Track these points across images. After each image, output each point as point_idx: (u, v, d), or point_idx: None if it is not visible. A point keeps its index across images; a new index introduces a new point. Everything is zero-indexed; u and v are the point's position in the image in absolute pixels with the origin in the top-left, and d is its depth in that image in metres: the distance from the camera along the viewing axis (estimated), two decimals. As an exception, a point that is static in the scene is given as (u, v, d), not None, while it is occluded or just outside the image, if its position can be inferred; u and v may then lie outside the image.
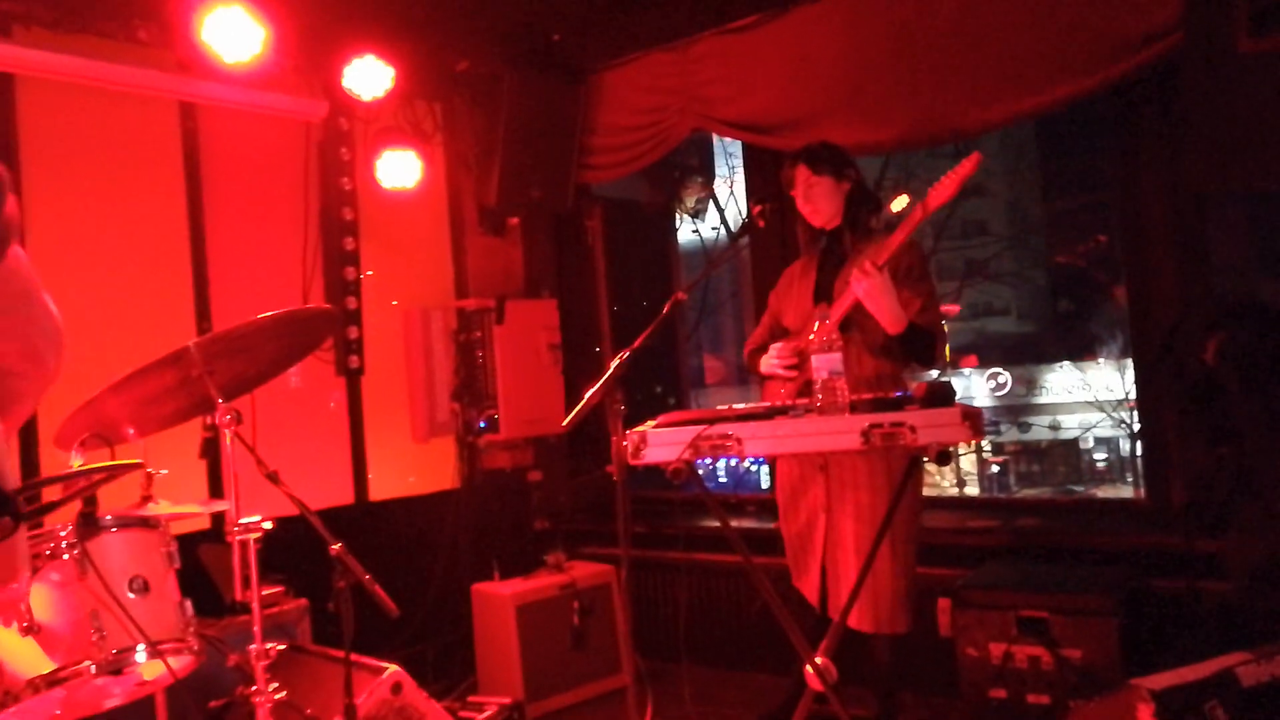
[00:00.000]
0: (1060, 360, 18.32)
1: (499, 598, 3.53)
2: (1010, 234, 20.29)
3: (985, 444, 16.08)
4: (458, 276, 4.30)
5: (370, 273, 3.87)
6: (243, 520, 2.10)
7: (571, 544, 4.00)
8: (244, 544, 2.12)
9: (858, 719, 2.42)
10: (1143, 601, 2.84)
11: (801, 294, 2.90)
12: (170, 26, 3.19)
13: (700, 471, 2.41)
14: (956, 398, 2.17)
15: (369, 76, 3.52)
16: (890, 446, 2.15)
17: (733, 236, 10.51)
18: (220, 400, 2.08)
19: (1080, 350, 17.98)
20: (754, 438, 2.24)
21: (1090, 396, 16.00)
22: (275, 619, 2.99)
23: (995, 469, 17.18)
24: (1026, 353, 19.50)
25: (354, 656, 2.06)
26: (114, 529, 2.00)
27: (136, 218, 3.33)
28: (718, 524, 3.79)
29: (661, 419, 2.39)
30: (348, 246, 3.79)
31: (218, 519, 3.23)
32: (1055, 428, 17.33)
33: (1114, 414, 15.08)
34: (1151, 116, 3.12)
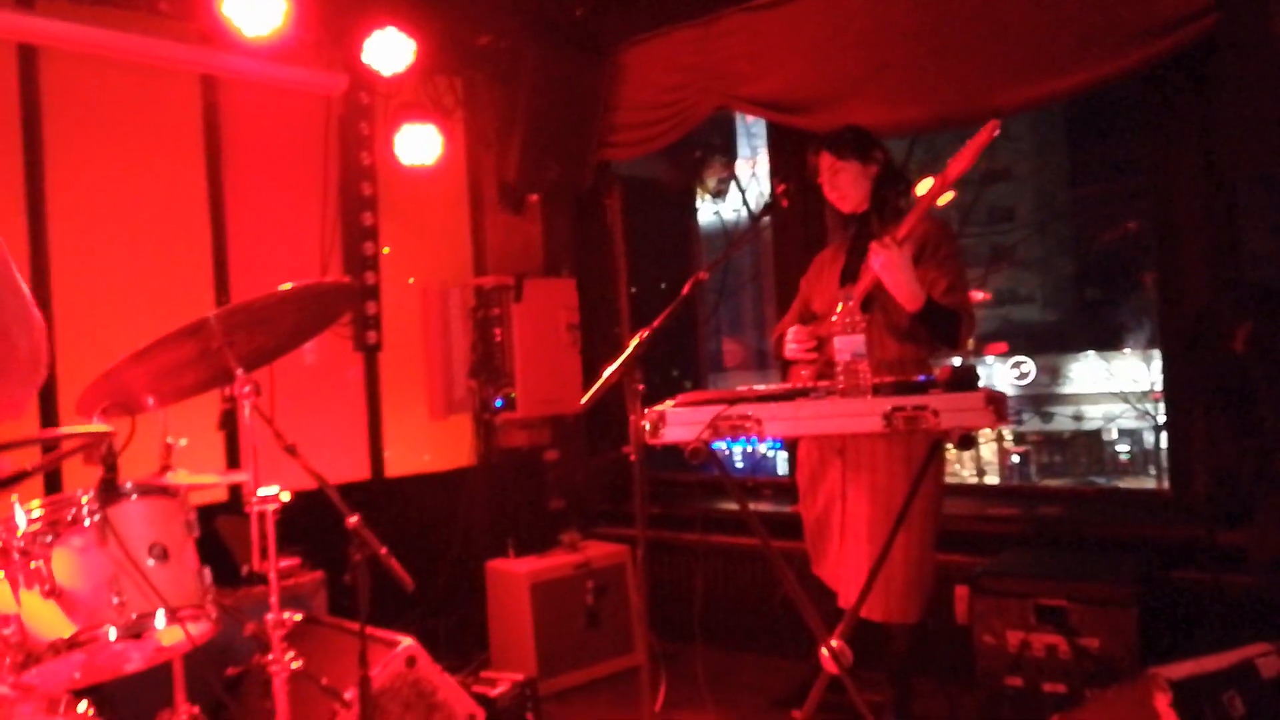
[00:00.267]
0: (1085, 350, 18.12)
1: (514, 575, 3.54)
2: (1037, 219, 20.04)
3: (1006, 433, 15.97)
4: (476, 253, 4.30)
5: (388, 249, 3.87)
6: (261, 491, 2.11)
7: (586, 524, 4.01)
8: (262, 515, 2.13)
9: (872, 704, 2.40)
10: (1162, 592, 2.81)
11: (831, 279, 2.87)
12: (192, -1, 3.19)
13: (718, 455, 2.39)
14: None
15: (390, 50, 3.50)
16: (912, 430, 2.13)
17: (754, 217, 10.45)
18: (240, 372, 2.08)
19: (1106, 340, 17.77)
20: (774, 419, 2.22)
21: (1115, 387, 15.83)
22: (291, 591, 3.02)
23: (1016, 459, 17.06)
24: (1051, 341, 19.29)
25: (369, 629, 2.06)
26: (135, 496, 2.01)
27: (157, 190, 3.34)
28: (734, 506, 3.80)
29: (680, 399, 2.37)
30: (366, 222, 3.79)
31: (235, 491, 3.26)
32: (1079, 418, 17.17)
33: (1139, 405, 14.92)
34: (1185, 100, 3.05)
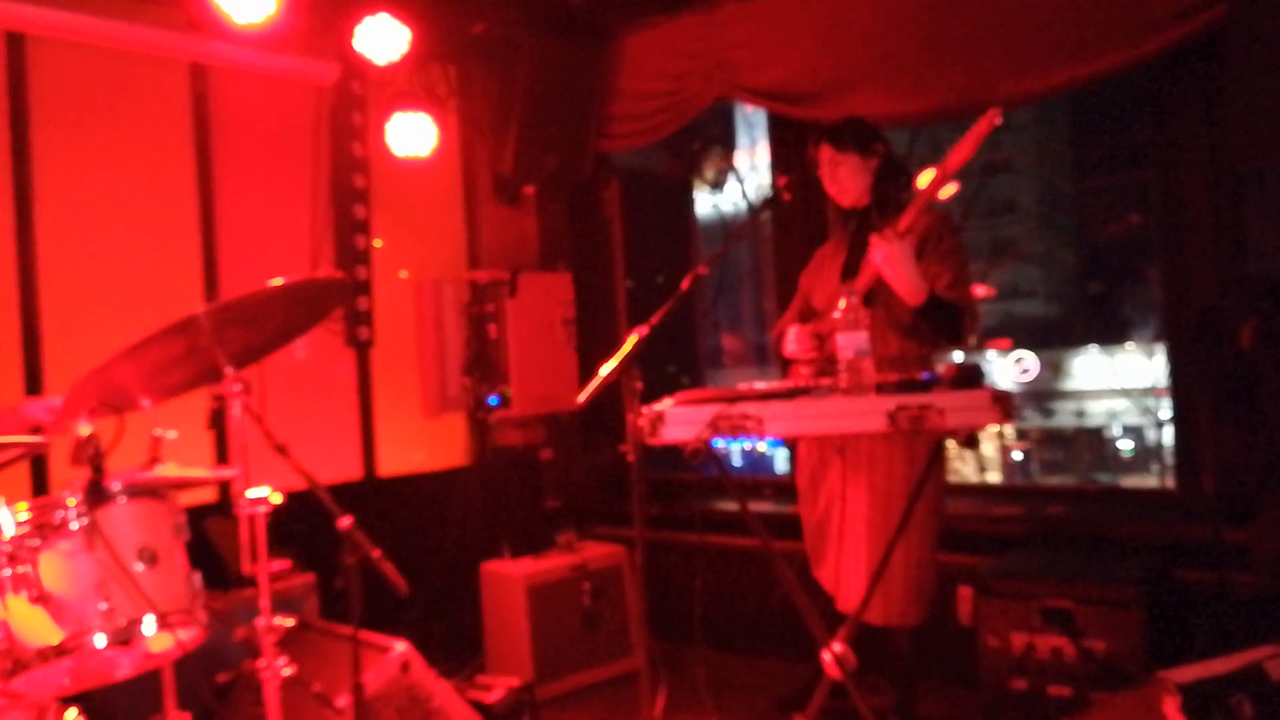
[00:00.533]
0: (1088, 345, 18.09)
1: (509, 578, 3.50)
2: (1040, 213, 19.99)
3: (1008, 430, 15.94)
4: (471, 247, 4.24)
5: (380, 243, 3.81)
6: (251, 492, 2.07)
7: (583, 524, 3.96)
8: (252, 517, 2.09)
9: (875, 709, 2.37)
10: (1169, 592, 2.78)
11: (831, 274, 2.83)
12: (181, -14, 3.14)
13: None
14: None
15: (382, 38, 3.43)
16: (917, 430, 2.09)
17: (754, 210, 10.38)
18: (229, 369, 2.04)
19: (1109, 335, 17.74)
20: (775, 418, 2.18)
21: (1118, 383, 15.81)
22: (282, 594, 2.98)
23: (1018, 456, 17.04)
24: (1053, 336, 19.25)
25: (362, 634, 2.02)
26: (123, 500, 1.98)
27: (145, 180, 3.29)
28: (733, 506, 3.75)
29: (680, 397, 2.33)
30: (358, 215, 3.74)
31: (224, 492, 3.22)
32: (1081, 414, 17.16)
33: (1141, 402, 14.90)
34: (1193, 91, 3.01)
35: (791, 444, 3.12)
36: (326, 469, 2.06)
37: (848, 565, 2.66)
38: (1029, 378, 17.35)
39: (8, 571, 1.84)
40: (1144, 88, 3.22)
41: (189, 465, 2.22)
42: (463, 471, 4.04)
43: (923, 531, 2.57)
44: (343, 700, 2.30)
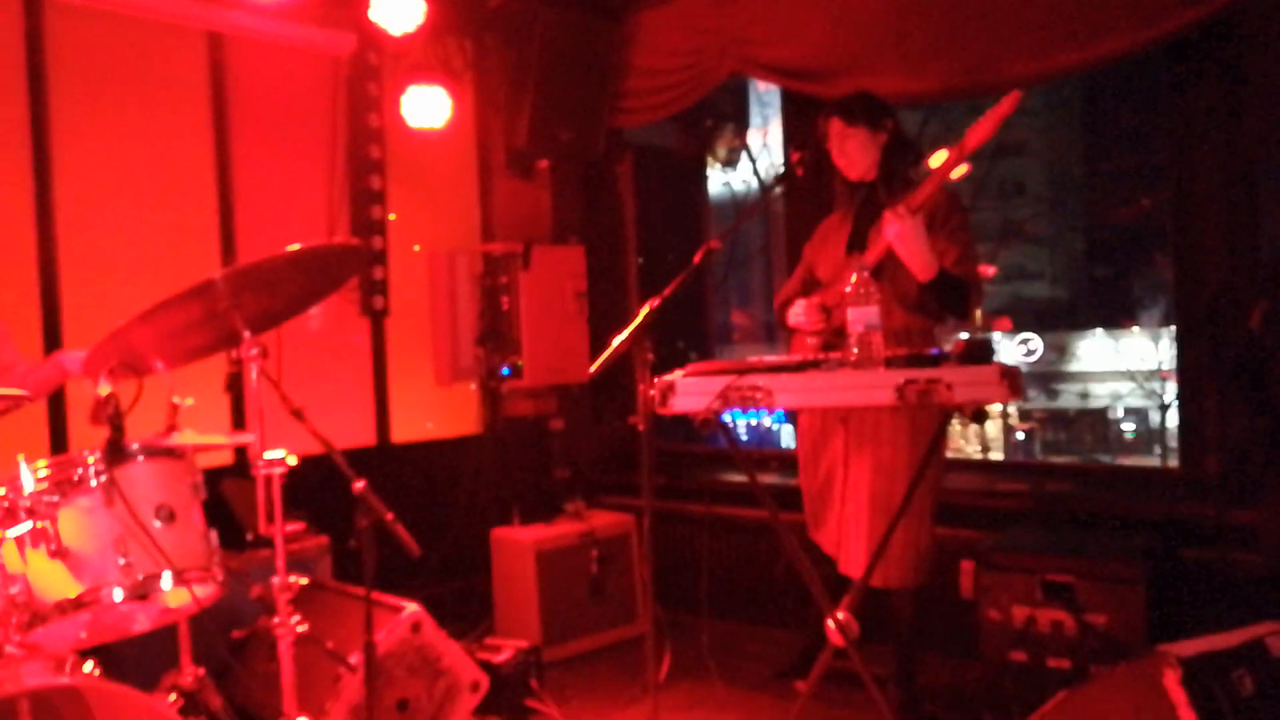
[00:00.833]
0: (1093, 328, 18.03)
1: (519, 544, 3.54)
2: (1049, 195, 19.85)
3: (1012, 409, 15.93)
4: (484, 219, 4.25)
5: (394, 216, 3.83)
6: (267, 455, 2.10)
7: (591, 493, 4.00)
8: (268, 478, 2.12)
9: (876, 677, 2.41)
10: (1171, 570, 2.80)
11: (836, 246, 2.84)
12: (199, -47, 3.14)
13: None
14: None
15: (399, 9, 3.43)
16: (925, 404, 2.10)
17: (765, 187, 10.34)
18: (246, 334, 2.06)
19: (1115, 318, 17.67)
20: (784, 390, 2.20)
21: (1122, 366, 15.77)
22: (296, 556, 3.02)
23: (1021, 436, 17.05)
24: (1060, 319, 19.19)
25: (374, 595, 2.06)
26: (141, 458, 2.01)
27: (163, 147, 3.31)
28: (739, 479, 3.79)
29: (690, 368, 2.35)
30: (374, 185, 3.75)
31: (241, 454, 3.26)
32: (1085, 396, 17.14)
33: (1145, 384, 14.87)
34: (1211, 73, 2.98)
35: (794, 416, 3.15)
36: (340, 435, 2.08)
37: (849, 530, 2.71)
38: (1033, 359, 17.33)
39: (28, 526, 1.87)
40: (1159, 69, 3.20)
41: (206, 428, 2.26)
42: (474, 440, 4.08)
43: (922, 496, 2.61)
44: (355, 658, 2.35)
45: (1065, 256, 20.87)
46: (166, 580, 1.95)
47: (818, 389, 2.21)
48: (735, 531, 3.82)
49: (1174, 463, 3.33)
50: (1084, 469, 5.49)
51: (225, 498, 2.90)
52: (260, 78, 3.52)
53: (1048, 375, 17.72)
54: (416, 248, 4.01)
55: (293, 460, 2.12)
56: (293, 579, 2.15)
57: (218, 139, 3.42)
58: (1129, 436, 17.22)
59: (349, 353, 3.83)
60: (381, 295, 3.82)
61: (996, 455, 15.36)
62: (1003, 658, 2.76)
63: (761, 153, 10.83)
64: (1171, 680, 1.91)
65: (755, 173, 10.89)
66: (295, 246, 2.04)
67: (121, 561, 1.91)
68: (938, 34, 3.24)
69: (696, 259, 2.63)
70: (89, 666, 1.87)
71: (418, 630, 2.53)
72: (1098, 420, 17.46)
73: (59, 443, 2.98)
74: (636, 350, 2.45)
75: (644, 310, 2.46)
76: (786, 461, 3.92)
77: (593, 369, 2.66)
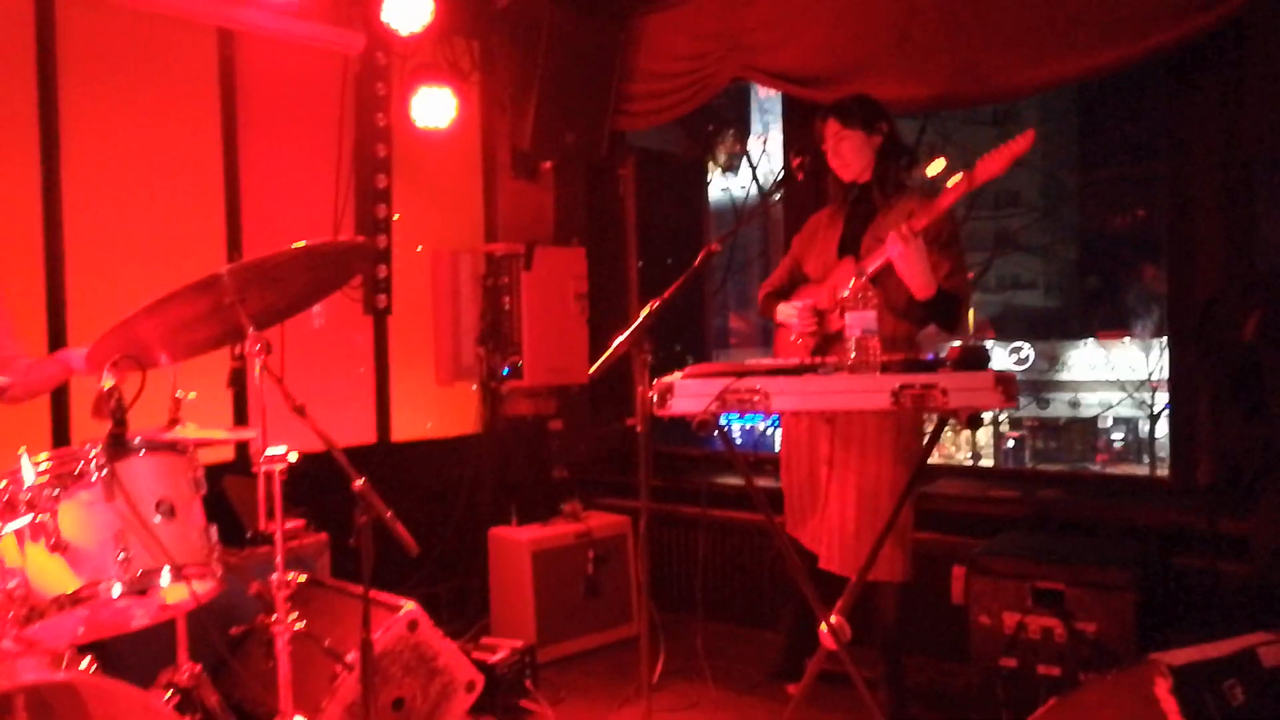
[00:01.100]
0: (1085, 337, 18.12)
1: (516, 543, 3.55)
2: (1044, 204, 19.91)
3: (1003, 417, 15.99)
4: (488, 220, 4.27)
5: (398, 216, 3.84)
6: (269, 451, 2.11)
7: (589, 494, 4.02)
8: (269, 475, 2.13)
9: (866, 680, 2.43)
10: (1161, 578, 2.83)
11: (826, 244, 2.89)
12: (209, -51, 3.14)
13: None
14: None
15: (408, 9, 3.45)
16: (920, 409, 2.13)
17: (764, 192, 10.37)
18: (251, 329, 2.07)
19: (1106, 327, 17.75)
20: (782, 393, 2.23)
21: (1113, 375, 15.84)
22: (295, 552, 3.03)
23: (1011, 443, 17.12)
24: (1052, 328, 19.27)
25: (372, 593, 2.07)
26: (142, 452, 2.00)
27: (172, 141, 3.31)
28: (735, 481, 3.81)
29: (689, 370, 2.37)
30: (380, 184, 3.76)
31: (242, 451, 3.26)
32: (1075, 405, 17.22)
33: (1135, 394, 14.92)
34: (1211, 82, 3.01)
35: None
36: (341, 433, 2.08)
37: (833, 526, 2.75)
38: (1025, 367, 17.41)
39: (27, 519, 1.86)
40: (1156, 78, 3.23)
41: (208, 423, 2.26)
42: (473, 439, 4.08)
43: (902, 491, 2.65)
44: (351, 656, 2.35)
45: (1058, 266, 20.96)
46: (165, 576, 1.94)
47: (815, 392, 2.24)
48: (731, 534, 3.83)
49: (1162, 472, 3.36)
50: (1075, 476, 5.51)
51: (226, 494, 2.91)
52: (269, 74, 3.53)
53: (1039, 384, 17.79)
54: (419, 248, 4.02)
55: (294, 457, 2.12)
56: (291, 576, 2.16)
57: (225, 134, 3.42)
58: (1118, 445, 17.30)
59: (351, 351, 3.83)
60: (385, 294, 3.83)
61: (987, 462, 15.40)
62: (993, 663, 2.78)
63: (761, 158, 10.86)
64: (1162, 689, 1.93)
65: (755, 178, 10.92)
66: (301, 243, 2.05)
67: (121, 556, 1.89)
68: (938, 39, 3.26)
69: (696, 262, 2.65)
70: (86, 662, 1.86)
71: (414, 629, 2.54)
72: (1088, 429, 17.53)
73: (61, 436, 2.98)
74: (636, 352, 2.47)
75: (644, 312, 2.48)
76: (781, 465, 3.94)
77: (592, 370, 2.68)
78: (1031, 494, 3.43)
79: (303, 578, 2.31)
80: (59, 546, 1.88)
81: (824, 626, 2.39)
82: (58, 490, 1.91)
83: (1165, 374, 3.44)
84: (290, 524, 2.98)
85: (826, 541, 2.78)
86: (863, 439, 2.72)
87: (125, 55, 3.18)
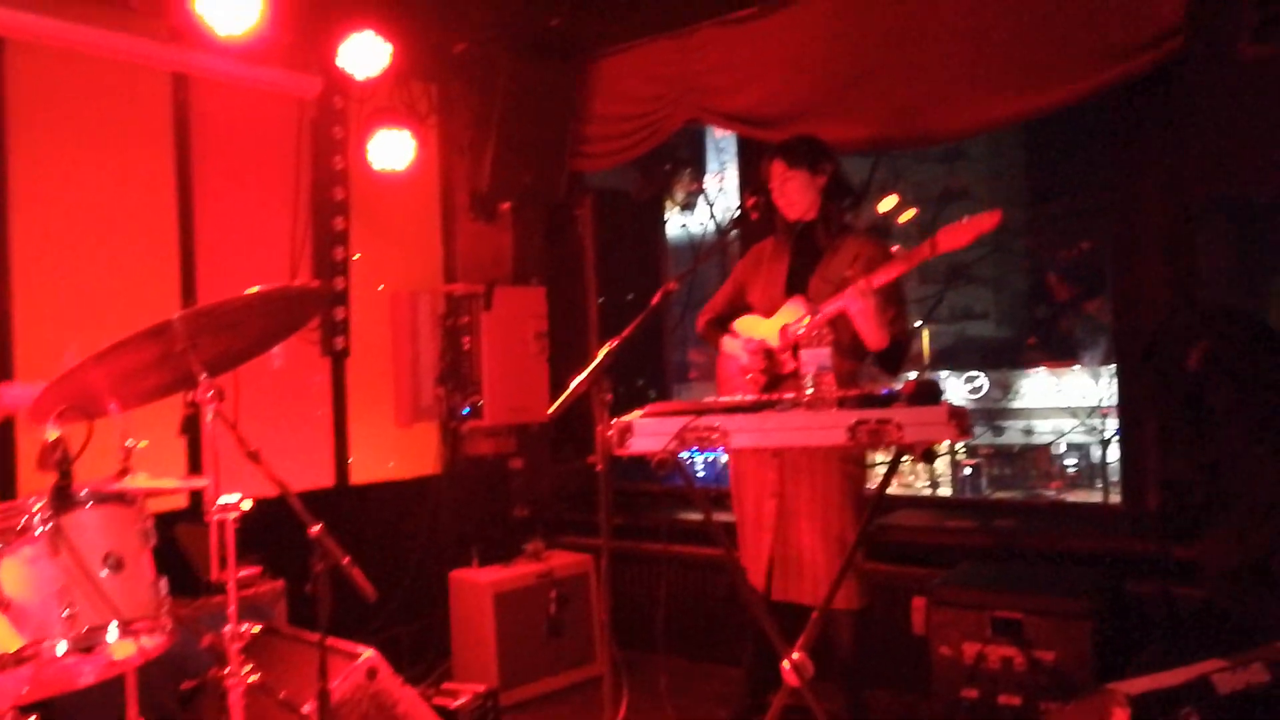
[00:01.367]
0: (1036, 366, 18.50)
1: (477, 585, 3.51)
2: (993, 239, 20.40)
3: (959, 446, 16.20)
4: (447, 261, 4.27)
5: (358, 256, 3.83)
6: (222, 499, 2.07)
7: (550, 533, 3.99)
8: (222, 523, 2.09)
9: (829, 713, 2.42)
10: (1117, 605, 2.87)
11: (771, 278, 2.95)
12: (163, -6, 3.14)
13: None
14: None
15: (365, 54, 3.46)
16: (876, 444, 2.16)
17: (722, 230, 10.49)
18: (203, 376, 2.04)
19: (1056, 356, 18.14)
20: (740, 430, 2.24)
21: (1064, 402, 16.17)
22: (251, 600, 2.97)
23: (969, 470, 17.34)
24: (1003, 357, 19.66)
25: (329, 640, 2.03)
26: (89, 504, 1.96)
27: (124, 187, 3.28)
28: (697, 517, 3.79)
29: (648, 409, 2.38)
30: (337, 226, 3.75)
31: (195, 498, 3.19)
32: (1029, 432, 17.52)
33: (1086, 420, 15.23)
34: (1151, 120, 3.11)
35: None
36: (299, 476, 2.06)
37: (782, 556, 2.80)
38: (979, 395, 17.71)
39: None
40: (1101, 116, 3.35)
41: (160, 470, 2.21)
42: (433, 480, 4.05)
43: (853, 520, 2.73)
44: (308, 707, 2.30)
45: (1009, 297, 21.43)
46: (113, 632, 1.90)
47: (772, 429, 2.25)
48: (693, 569, 3.83)
49: (1115, 498, 3.43)
50: (1031, 505, 5.60)
51: (179, 543, 2.84)
52: (225, 119, 3.52)
53: (993, 412, 18.09)
54: (380, 287, 4.00)
55: (247, 505, 2.08)
56: (245, 627, 2.11)
57: (180, 179, 3.39)
58: (1071, 471, 17.60)
59: (309, 393, 3.79)
60: (343, 335, 3.80)
61: (945, 491, 15.56)
62: (954, 694, 2.79)
63: (718, 196, 11.01)
64: (1120, 718, 1.96)
65: (712, 216, 11.06)
66: (255, 288, 2.03)
67: (66, 613, 1.85)
68: (885, 82, 3.36)
69: (654, 300, 2.68)
70: (30, 722, 1.81)
71: (373, 677, 2.49)
72: (1041, 456, 17.83)
73: (7, 489, 2.89)
74: (595, 390, 2.47)
75: (603, 351, 2.50)
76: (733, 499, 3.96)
77: (552, 409, 2.67)
78: (989, 523, 3.48)
79: (257, 628, 2.27)
80: (1, 604, 1.83)
81: (786, 664, 2.39)
82: (1, 546, 1.85)
83: (1114, 401, 3.53)
84: (246, 571, 2.92)
85: (779, 572, 2.81)
86: (810, 467, 2.77)
87: (78, 100, 3.16)
